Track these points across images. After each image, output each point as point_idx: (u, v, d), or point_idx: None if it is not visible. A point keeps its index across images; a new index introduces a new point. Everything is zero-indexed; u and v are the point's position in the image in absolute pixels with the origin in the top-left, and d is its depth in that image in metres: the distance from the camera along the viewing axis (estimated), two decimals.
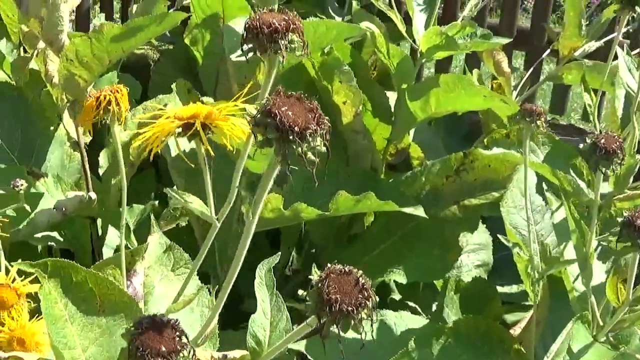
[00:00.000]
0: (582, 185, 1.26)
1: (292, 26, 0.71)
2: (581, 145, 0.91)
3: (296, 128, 0.63)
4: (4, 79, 1.97)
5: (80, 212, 1.58)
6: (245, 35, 0.72)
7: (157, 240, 1.13)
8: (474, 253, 1.66)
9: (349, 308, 0.65)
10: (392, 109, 1.60)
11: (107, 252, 1.76)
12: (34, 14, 1.63)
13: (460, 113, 1.81)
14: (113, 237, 1.80)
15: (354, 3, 2.09)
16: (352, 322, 0.66)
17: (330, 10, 2.21)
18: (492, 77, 2.00)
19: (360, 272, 0.67)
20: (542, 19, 2.15)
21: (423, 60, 1.60)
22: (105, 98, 0.91)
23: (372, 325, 0.67)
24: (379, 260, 1.55)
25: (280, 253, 0.95)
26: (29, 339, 1.00)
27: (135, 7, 2.19)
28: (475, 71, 1.77)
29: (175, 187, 1.81)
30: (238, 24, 1.54)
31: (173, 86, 1.50)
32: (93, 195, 1.59)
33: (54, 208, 1.47)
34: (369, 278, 1.57)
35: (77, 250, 1.69)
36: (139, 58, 2.37)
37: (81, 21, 2.41)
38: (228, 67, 1.52)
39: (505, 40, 1.59)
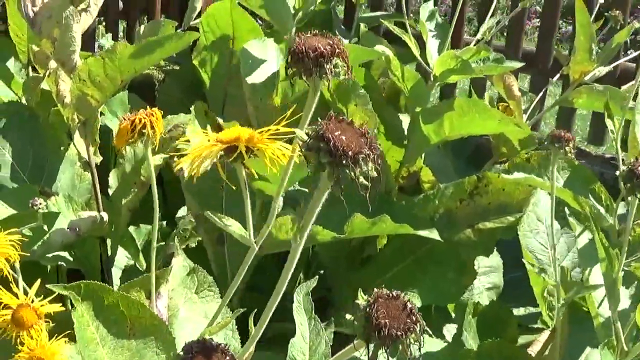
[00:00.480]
0: (602, 210, 1.27)
1: (337, 50, 0.71)
2: (617, 172, 0.92)
3: (350, 152, 0.64)
4: (12, 97, 1.97)
5: (92, 233, 1.57)
6: (290, 58, 0.72)
7: (181, 262, 1.12)
8: (485, 276, 1.66)
9: (398, 332, 0.66)
10: (405, 132, 1.61)
11: (116, 273, 1.75)
12: (47, 34, 1.63)
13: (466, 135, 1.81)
14: (122, 258, 1.80)
15: (362, 25, 2.10)
16: (401, 346, 0.66)
17: (338, 33, 2.22)
18: (499, 99, 2.00)
19: (408, 296, 0.68)
20: (548, 42, 2.16)
21: (436, 84, 1.60)
22: (140, 121, 0.91)
23: (420, 350, 0.67)
24: (393, 283, 1.55)
25: (316, 277, 0.94)
26: (48, 359, 1.00)
27: (142, 27, 2.19)
28: (487, 94, 1.78)
29: (186, 208, 1.81)
30: (253, 47, 1.55)
31: (192, 108, 1.49)
32: (105, 215, 1.59)
33: (67, 228, 1.47)
34: None
35: (86, 270, 1.68)
36: (144, 78, 2.37)
37: (86, 41, 2.41)
38: (244, 90, 1.52)
39: (518, 65, 1.60)
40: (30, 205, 1.26)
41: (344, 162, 0.64)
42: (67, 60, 1.61)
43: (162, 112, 2.36)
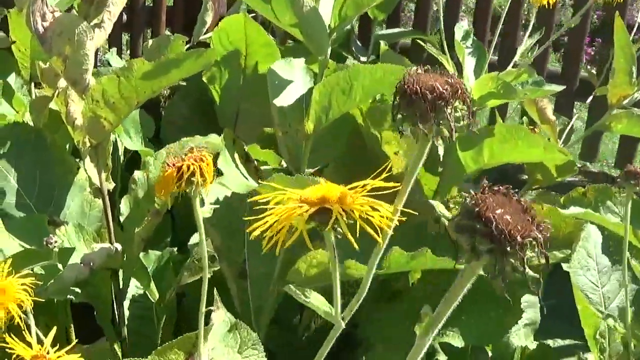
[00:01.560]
0: None
1: (459, 91, 0.60)
2: None
3: (518, 237, 0.52)
4: (13, 114, 1.86)
5: (105, 265, 1.46)
6: (400, 100, 0.61)
7: (221, 317, 1.01)
8: None
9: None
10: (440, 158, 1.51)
11: (125, 304, 1.65)
12: (57, 52, 1.52)
13: None
14: (134, 290, 1.69)
15: (382, 43, 2.01)
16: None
17: (355, 50, 2.12)
18: (529, 123, 1.92)
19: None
20: (574, 64, 2.08)
21: (474, 108, 1.51)
22: (188, 169, 0.79)
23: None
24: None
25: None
26: None
27: (150, 42, 2.09)
28: (524, 120, 1.69)
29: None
30: (280, 67, 1.45)
31: (221, 137, 1.38)
32: (119, 246, 1.48)
33: (80, 262, 1.36)
34: (414, 340, 1.45)
35: (96, 303, 1.57)
36: None
37: None
38: (272, 113, 1.42)
39: (559, 88, 1.51)
40: (45, 243, 1.16)
41: (509, 249, 0.52)
42: (80, 79, 1.50)
43: (169, 130, 2.25)
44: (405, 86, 0.61)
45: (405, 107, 0.61)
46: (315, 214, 0.62)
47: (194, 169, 0.80)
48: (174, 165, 0.81)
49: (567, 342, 1.72)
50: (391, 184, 0.62)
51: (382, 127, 1.40)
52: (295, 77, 1.46)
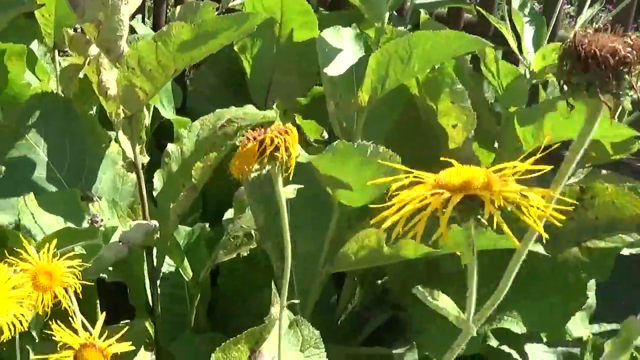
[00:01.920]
0: None
1: None
2: None
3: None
4: (34, 81, 1.78)
5: (143, 243, 1.39)
6: (571, 65, 0.52)
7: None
8: None
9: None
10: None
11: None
12: (91, 17, 1.43)
13: None
14: (165, 267, 1.62)
15: (422, 12, 1.91)
16: None
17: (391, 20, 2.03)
18: None
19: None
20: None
21: (533, 81, 1.42)
22: (271, 142, 0.70)
23: None
24: (482, 305, 1.37)
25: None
26: None
27: (177, 9, 2.00)
28: None
29: (232, 211, 1.63)
30: (329, 36, 1.36)
31: (274, 107, 1.30)
32: (156, 223, 1.40)
33: (119, 241, 1.28)
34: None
35: (130, 282, 1.49)
36: None
37: None
38: (323, 85, 1.33)
39: None
40: (90, 221, 1.08)
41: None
42: (114, 46, 1.41)
43: (196, 101, 2.16)
44: (580, 48, 0.52)
45: (579, 73, 0.52)
46: (459, 202, 0.54)
47: (278, 142, 0.71)
48: (254, 138, 0.72)
49: (614, 326, 1.66)
50: (540, 167, 0.53)
51: (439, 99, 1.31)
52: (344, 45, 1.37)
